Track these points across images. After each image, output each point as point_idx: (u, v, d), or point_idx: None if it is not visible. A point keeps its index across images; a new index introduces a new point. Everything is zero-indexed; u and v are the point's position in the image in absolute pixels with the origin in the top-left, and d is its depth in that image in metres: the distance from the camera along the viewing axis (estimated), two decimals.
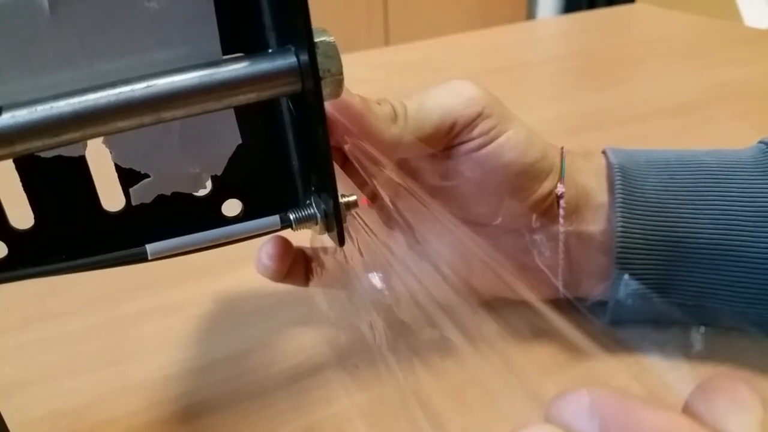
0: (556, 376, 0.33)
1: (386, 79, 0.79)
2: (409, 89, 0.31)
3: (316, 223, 0.26)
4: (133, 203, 0.27)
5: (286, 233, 0.30)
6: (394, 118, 0.30)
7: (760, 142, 0.34)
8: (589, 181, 0.33)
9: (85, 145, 0.25)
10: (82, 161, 0.25)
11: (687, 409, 0.17)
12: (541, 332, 0.35)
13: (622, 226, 0.31)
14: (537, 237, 0.33)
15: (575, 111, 0.70)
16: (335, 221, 0.24)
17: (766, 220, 0.31)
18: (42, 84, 0.22)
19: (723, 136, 0.61)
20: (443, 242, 0.34)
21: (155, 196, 0.27)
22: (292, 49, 0.22)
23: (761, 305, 0.31)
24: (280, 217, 0.27)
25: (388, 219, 0.34)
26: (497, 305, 0.30)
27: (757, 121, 0.63)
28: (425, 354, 0.33)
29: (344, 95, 0.27)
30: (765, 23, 1.64)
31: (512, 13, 2.37)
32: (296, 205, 0.28)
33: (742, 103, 0.68)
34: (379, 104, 0.30)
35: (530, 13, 2.45)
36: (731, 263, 0.31)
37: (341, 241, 0.25)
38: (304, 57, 0.21)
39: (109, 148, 0.25)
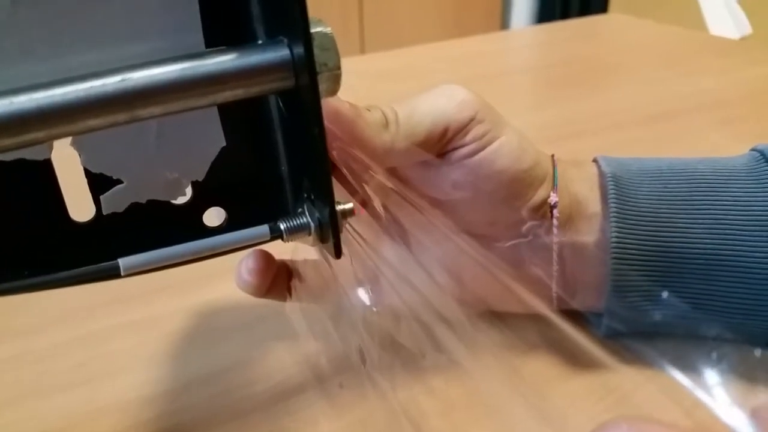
0: (556, 389, 0.33)
1: (366, 86, 0.78)
2: (391, 96, 0.31)
3: (310, 233, 0.25)
4: (105, 212, 0.25)
5: (269, 245, 0.29)
6: (385, 124, 0.29)
7: (753, 149, 0.33)
8: (582, 190, 0.33)
9: (51, 147, 0.23)
10: (47, 165, 0.23)
11: None
12: (534, 345, 0.35)
13: (617, 237, 0.31)
14: (530, 247, 0.33)
15: (553, 120, 0.70)
16: (331, 231, 0.23)
17: (762, 229, 0.30)
18: (1, 78, 0.20)
19: (705, 144, 0.61)
20: (435, 252, 0.33)
21: (129, 204, 0.25)
22: (285, 40, 0.20)
23: (757, 317, 0.31)
24: (270, 227, 0.25)
25: (385, 227, 0.33)
26: (483, 319, 0.30)
27: (738, 129, 0.63)
28: (424, 373, 0.32)
29: (333, 101, 0.26)
30: (728, 33, 1.67)
31: (486, 23, 2.40)
32: (286, 213, 0.26)
33: (721, 111, 0.69)
34: (369, 110, 0.29)
35: (504, 23, 2.48)
36: (727, 273, 0.31)
37: (338, 253, 0.23)
38: (299, 49, 0.19)
39: (77, 150, 0.23)
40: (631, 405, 0.31)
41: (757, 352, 0.31)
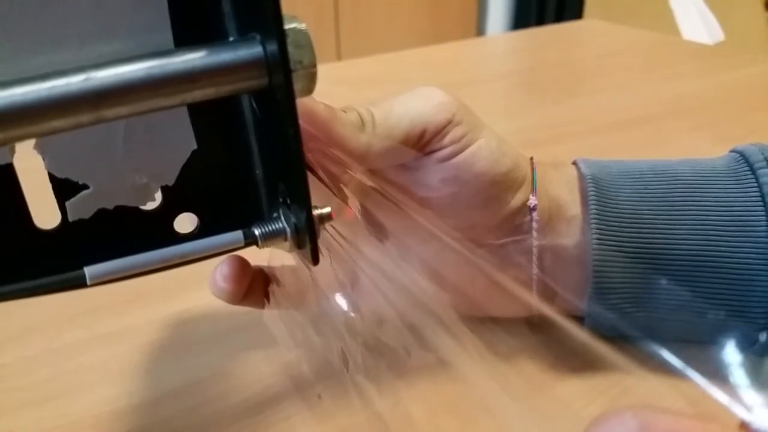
0: (549, 390, 0.33)
1: (342, 93, 0.78)
2: (368, 103, 0.30)
3: (286, 239, 0.24)
4: (70, 219, 0.24)
5: (245, 251, 0.28)
6: (361, 125, 0.29)
7: (732, 151, 0.34)
8: (561, 192, 0.33)
9: (13, 151, 0.22)
10: (9, 170, 0.22)
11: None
12: (525, 345, 0.34)
13: (598, 239, 0.31)
14: (510, 251, 0.33)
15: (530, 126, 0.70)
16: (308, 236, 0.22)
17: (743, 229, 0.30)
18: None
19: (682, 147, 0.61)
20: (418, 253, 0.33)
21: (96, 210, 0.24)
22: (258, 37, 0.19)
23: (739, 317, 0.31)
24: (244, 233, 0.25)
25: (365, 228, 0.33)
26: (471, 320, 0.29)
27: (715, 132, 0.64)
28: (410, 376, 0.32)
29: (307, 102, 0.26)
30: (701, 39, 1.70)
31: (463, 30, 2.42)
32: (261, 218, 0.25)
33: (698, 115, 0.69)
34: (344, 112, 0.28)
35: (480, 29, 2.49)
36: (709, 274, 0.31)
37: (315, 259, 0.22)
38: (272, 46, 0.19)
39: (41, 154, 0.22)
40: (627, 404, 0.31)
41: (762, 336, 0.31)
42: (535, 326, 0.35)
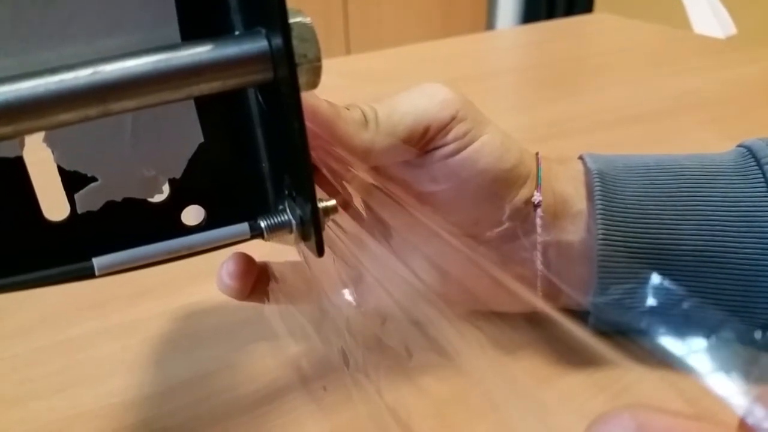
0: (551, 386, 0.32)
1: (351, 87, 0.78)
2: (376, 97, 0.30)
3: (291, 231, 0.24)
4: (79, 211, 0.24)
5: (252, 247, 0.28)
6: (365, 123, 0.28)
7: (739, 145, 0.33)
8: (567, 188, 0.33)
9: (22, 144, 0.22)
10: (18, 163, 0.22)
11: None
12: (527, 341, 0.34)
13: (603, 235, 0.31)
14: (514, 248, 0.32)
15: (538, 120, 0.69)
16: (313, 228, 0.22)
17: (750, 225, 0.30)
18: None
19: (691, 143, 0.61)
20: (421, 250, 0.33)
21: (104, 202, 0.24)
22: (263, 31, 0.19)
23: (745, 313, 0.31)
24: (250, 225, 0.25)
25: (367, 226, 0.33)
26: (474, 316, 0.29)
27: (724, 128, 0.63)
28: (411, 373, 0.32)
29: (311, 99, 0.26)
30: (713, 33, 1.68)
31: (472, 24, 2.41)
32: (267, 211, 0.25)
33: (707, 110, 0.69)
34: (347, 109, 0.28)
35: (490, 23, 2.48)
36: (715, 270, 0.30)
37: (320, 251, 0.22)
38: (277, 40, 0.19)
39: (50, 147, 0.22)
40: (629, 399, 0.31)
41: (758, 334, 0.31)
42: (539, 322, 0.34)
